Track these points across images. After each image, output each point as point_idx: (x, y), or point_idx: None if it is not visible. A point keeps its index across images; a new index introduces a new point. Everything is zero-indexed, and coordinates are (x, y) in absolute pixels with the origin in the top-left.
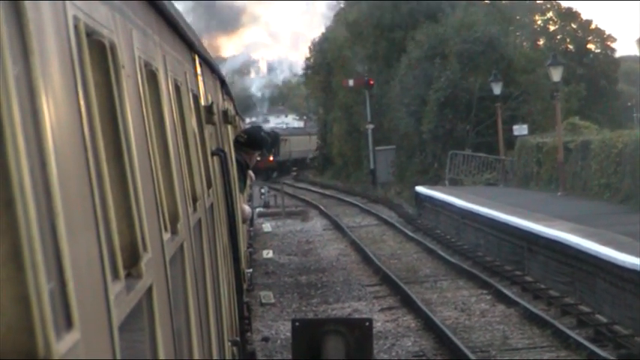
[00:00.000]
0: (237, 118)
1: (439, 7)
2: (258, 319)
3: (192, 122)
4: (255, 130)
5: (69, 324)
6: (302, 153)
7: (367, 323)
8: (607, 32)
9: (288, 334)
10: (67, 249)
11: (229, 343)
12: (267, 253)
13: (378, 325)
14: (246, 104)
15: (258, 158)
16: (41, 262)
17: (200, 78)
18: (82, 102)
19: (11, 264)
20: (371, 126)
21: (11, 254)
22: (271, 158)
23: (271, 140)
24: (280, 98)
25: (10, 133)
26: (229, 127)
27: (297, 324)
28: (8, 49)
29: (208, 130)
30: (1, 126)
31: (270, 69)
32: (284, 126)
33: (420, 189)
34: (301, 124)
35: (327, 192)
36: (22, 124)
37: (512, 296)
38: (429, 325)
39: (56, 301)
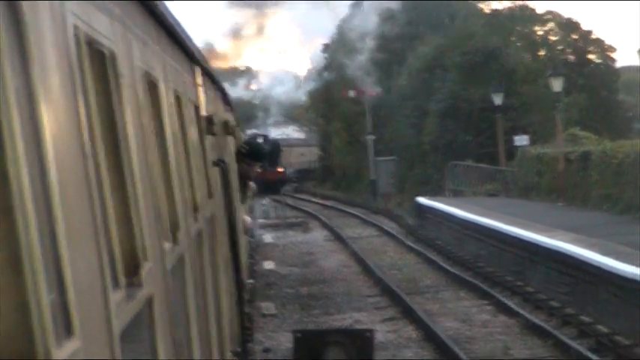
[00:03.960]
0: (237, 129)
1: (439, 18)
2: (259, 330)
3: (192, 132)
4: (257, 141)
5: (69, 331)
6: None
7: (368, 334)
8: (607, 42)
9: (290, 345)
10: (67, 256)
11: (230, 354)
12: (269, 264)
13: (379, 336)
14: (246, 115)
15: (259, 170)
16: (41, 269)
17: (200, 88)
18: (81, 110)
19: (11, 271)
20: (371, 137)
21: (11, 261)
22: (281, 169)
23: (273, 150)
24: (281, 109)
25: (10, 141)
26: (230, 137)
27: (298, 335)
28: (8, 57)
29: (209, 140)
30: (2, 134)
31: (271, 80)
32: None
33: (420, 200)
34: (302, 135)
35: (328, 203)
36: (21, 131)
37: (514, 307)
38: (430, 336)
39: (56, 309)
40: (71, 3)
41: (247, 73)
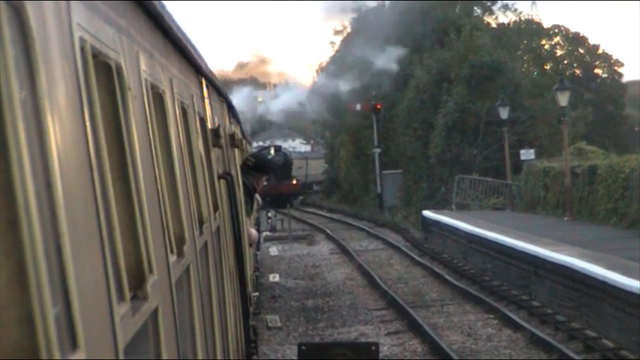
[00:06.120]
0: (244, 141)
1: (445, 32)
2: (264, 342)
3: (198, 145)
4: (263, 154)
5: (74, 344)
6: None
7: (373, 347)
8: (614, 57)
9: (295, 357)
10: (73, 270)
11: None
12: (274, 277)
13: (384, 350)
14: (253, 128)
15: (265, 182)
16: (46, 283)
17: (207, 101)
18: (87, 123)
19: (16, 284)
20: (378, 150)
21: (16, 273)
22: (295, 182)
23: (286, 162)
24: (286, 122)
25: (16, 154)
26: (236, 150)
27: (303, 348)
28: (14, 69)
29: (215, 153)
30: (8, 146)
31: (277, 92)
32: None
33: (426, 213)
34: (308, 147)
35: (334, 216)
36: (27, 144)
37: (519, 321)
38: (435, 350)
39: (61, 322)
40: (78, 15)
41: (254, 84)
